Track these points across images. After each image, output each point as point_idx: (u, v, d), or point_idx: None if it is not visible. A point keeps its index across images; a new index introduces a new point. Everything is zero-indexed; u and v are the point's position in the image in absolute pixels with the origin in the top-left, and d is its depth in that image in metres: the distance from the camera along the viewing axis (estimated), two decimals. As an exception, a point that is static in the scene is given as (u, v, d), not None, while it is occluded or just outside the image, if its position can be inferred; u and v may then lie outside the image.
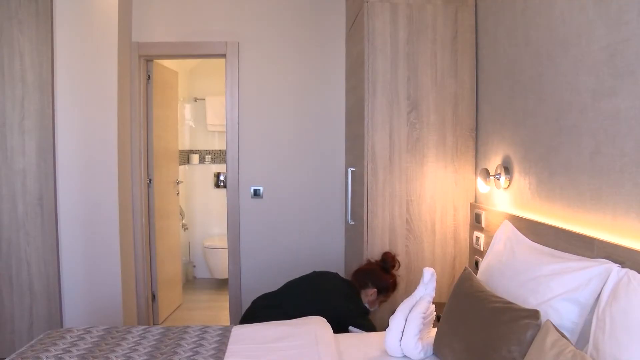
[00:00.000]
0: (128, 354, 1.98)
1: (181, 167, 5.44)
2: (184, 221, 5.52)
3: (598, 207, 1.77)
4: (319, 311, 2.51)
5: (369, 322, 2.65)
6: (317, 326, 2.29)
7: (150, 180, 4.09)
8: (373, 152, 2.90)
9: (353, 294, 2.72)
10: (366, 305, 2.74)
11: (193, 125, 5.86)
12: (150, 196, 4.10)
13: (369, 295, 2.73)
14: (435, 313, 2.20)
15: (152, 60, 4.05)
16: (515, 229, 2.23)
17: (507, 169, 2.51)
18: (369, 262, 2.86)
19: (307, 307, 2.56)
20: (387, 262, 2.81)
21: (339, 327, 2.52)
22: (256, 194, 3.88)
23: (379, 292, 2.75)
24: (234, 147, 3.86)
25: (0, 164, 3.38)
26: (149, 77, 4.05)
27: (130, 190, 3.81)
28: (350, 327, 2.59)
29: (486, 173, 2.60)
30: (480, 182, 2.66)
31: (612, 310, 1.39)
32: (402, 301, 2.19)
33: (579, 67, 1.89)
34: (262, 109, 3.85)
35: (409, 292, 2.85)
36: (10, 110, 3.37)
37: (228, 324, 3.82)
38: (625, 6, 1.62)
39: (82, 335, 2.17)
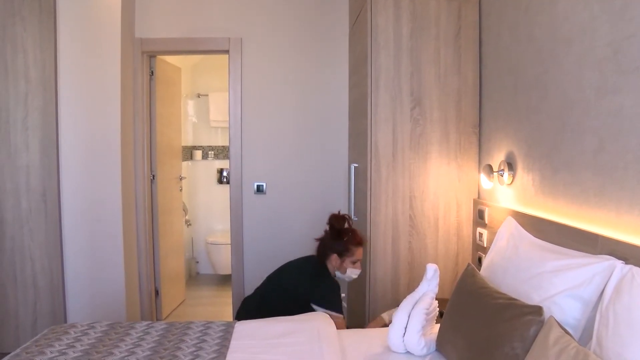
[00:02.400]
0: (131, 350, 1.99)
1: (184, 163, 5.44)
2: (187, 217, 5.53)
3: (602, 203, 1.77)
4: (290, 298, 2.60)
5: (331, 300, 2.58)
6: (320, 322, 2.29)
7: (153, 176, 4.09)
8: (376, 148, 2.90)
9: (318, 270, 2.68)
10: (338, 273, 2.70)
11: (196, 121, 5.86)
12: (153, 192, 4.11)
13: (332, 262, 2.68)
14: (438, 309, 2.21)
15: (155, 57, 4.05)
16: (519, 225, 2.23)
17: (510, 165, 2.51)
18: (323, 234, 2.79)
19: (277, 298, 2.66)
20: (334, 225, 2.72)
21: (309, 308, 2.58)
22: (259, 189, 3.88)
23: (341, 255, 2.66)
24: (237, 143, 3.86)
25: (3, 160, 3.39)
26: (152, 73, 4.05)
27: (133, 186, 3.82)
28: (313, 306, 2.59)
29: (489, 169, 2.60)
30: (483, 179, 2.66)
31: (616, 307, 1.39)
32: (405, 297, 2.19)
33: (583, 64, 1.88)
34: (265, 105, 3.85)
35: (412, 288, 2.85)
36: (13, 107, 3.37)
37: (231, 319, 3.83)
38: (629, 2, 1.61)
39: (85, 331, 2.18)
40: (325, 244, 2.71)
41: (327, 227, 2.76)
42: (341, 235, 2.68)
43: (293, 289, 2.67)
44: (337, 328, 2.40)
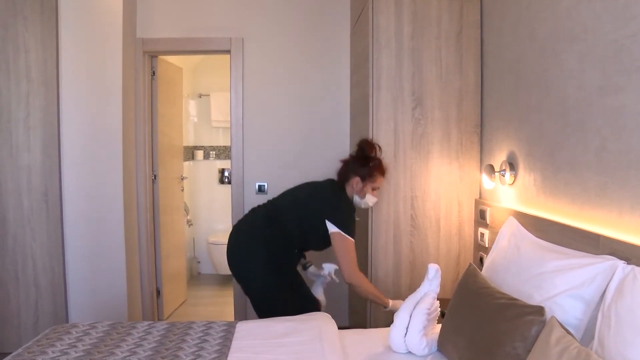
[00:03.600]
0: (133, 349, 1.99)
1: (186, 163, 5.44)
2: (188, 217, 5.53)
3: (603, 203, 1.77)
4: (301, 211, 2.63)
5: (346, 220, 2.58)
6: (321, 322, 2.29)
7: (154, 176, 4.09)
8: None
9: (337, 191, 2.69)
10: (356, 197, 2.69)
11: (197, 121, 5.86)
12: (154, 192, 4.11)
13: (353, 185, 2.67)
14: (439, 309, 2.20)
15: (156, 57, 4.05)
16: (520, 225, 2.22)
17: (512, 165, 2.50)
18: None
19: (288, 209, 2.68)
20: (365, 149, 2.71)
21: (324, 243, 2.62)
22: (261, 189, 3.88)
23: (363, 179, 2.65)
24: (239, 143, 3.86)
25: (5, 160, 3.39)
26: (154, 73, 4.05)
27: (135, 186, 3.82)
28: (326, 222, 2.56)
29: (491, 169, 2.59)
30: (485, 178, 2.65)
31: (618, 307, 1.39)
32: (406, 297, 2.19)
33: (585, 63, 1.88)
34: (267, 105, 3.85)
35: (413, 288, 2.85)
36: (15, 107, 3.38)
37: (232, 319, 3.83)
38: (632, 0, 1.61)
39: (87, 331, 2.18)
40: (350, 166, 2.70)
41: (356, 150, 2.76)
42: (368, 160, 2.67)
43: (305, 203, 2.67)
44: (348, 250, 2.50)
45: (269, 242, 2.61)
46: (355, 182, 2.66)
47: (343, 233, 2.53)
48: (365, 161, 2.67)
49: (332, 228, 2.55)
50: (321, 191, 2.72)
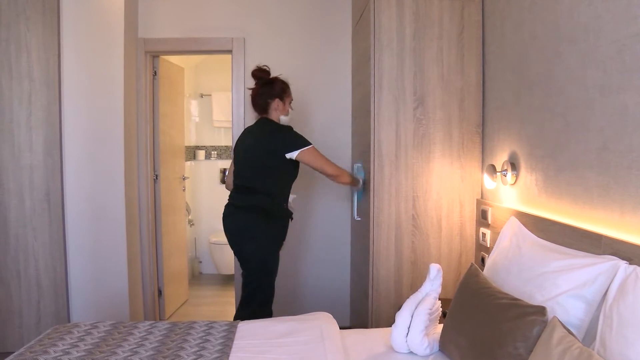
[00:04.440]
0: (135, 349, 1.99)
1: (187, 163, 5.45)
2: (190, 217, 5.54)
3: (605, 203, 1.76)
4: (259, 162, 2.85)
5: (298, 140, 2.85)
6: (323, 322, 2.29)
7: (156, 176, 4.10)
8: (379, 147, 2.90)
9: (268, 126, 2.91)
10: (282, 117, 2.98)
11: (199, 121, 5.86)
12: (156, 192, 4.11)
13: (276, 108, 2.95)
14: (441, 309, 2.20)
15: (158, 56, 4.06)
16: (522, 226, 2.22)
17: (513, 165, 2.50)
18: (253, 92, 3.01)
19: (249, 170, 2.90)
20: (262, 76, 2.96)
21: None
22: (262, 189, 3.88)
23: (281, 98, 2.95)
24: (240, 143, 3.85)
25: (7, 160, 3.40)
26: (155, 73, 4.06)
27: (136, 186, 3.83)
28: (287, 155, 2.82)
29: (493, 169, 2.59)
30: (486, 178, 2.65)
31: (620, 307, 1.39)
32: (408, 297, 2.19)
33: (587, 63, 1.87)
34: (268, 105, 3.84)
35: (414, 288, 2.85)
36: (17, 107, 3.38)
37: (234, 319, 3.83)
38: (634, 0, 1.61)
39: (89, 330, 2.18)
40: (263, 94, 2.94)
41: (254, 83, 2.99)
42: (272, 81, 2.96)
43: (258, 154, 2.86)
44: (317, 156, 2.85)
45: (247, 209, 2.86)
46: (275, 104, 2.94)
47: (303, 149, 2.82)
48: (271, 83, 2.95)
49: (294, 154, 2.82)
50: (262, 137, 2.89)
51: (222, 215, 2.97)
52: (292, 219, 3.04)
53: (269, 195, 2.86)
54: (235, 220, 2.90)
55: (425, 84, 2.89)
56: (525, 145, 2.40)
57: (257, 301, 2.90)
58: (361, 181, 3.12)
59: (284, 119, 2.99)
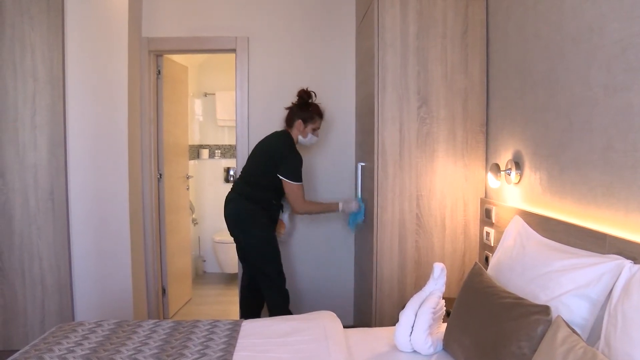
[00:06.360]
0: (138, 348, 2.00)
1: (191, 162, 5.45)
2: (194, 216, 5.55)
3: (610, 202, 1.76)
4: (264, 169, 3.19)
5: (295, 173, 3.16)
6: (326, 321, 2.29)
7: (160, 175, 4.11)
8: (383, 147, 2.90)
9: (285, 142, 3.24)
10: (300, 137, 3.29)
11: (203, 120, 5.87)
12: (160, 191, 4.12)
13: (297, 127, 3.27)
14: (445, 308, 2.20)
15: (162, 55, 4.06)
16: (526, 225, 2.22)
17: (517, 164, 2.50)
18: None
19: (256, 176, 3.24)
20: (303, 97, 3.30)
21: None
22: (265, 188, 3.89)
23: (305, 121, 3.26)
24: (244, 142, 3.86)
25: (12, 159, 3.41)
26: (159, 72, 4.07)
27: (140, 185, 3.83)
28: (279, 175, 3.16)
29: (497, 168, 2.59)
30: (490, 178, 2.65)
31: (624, 307, 1.38)
32: (412, 296, 2.19)
33: (591, 62, 1.87)
34: (272, 104, 3.85)
35: (418, 287, 2.85)
36: (21, 106, 3.39)
37: (238, 318, 3.84)
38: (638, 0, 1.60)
39: (93, 329, 2.19)
40: (294, 112, 3.30)
41: (297, 100, 3.33)
42: (308, 106, 3.29)
43: (266, 159, 3.22)
44: (294, 192, 3.15)
45: (251, 199, 3.20)
46: (298, 124, 3.26)
47: (290, 181, 3.14)
48: (305, 106, 3.28)
49: (282, 178, 3.15)
50: (274, 146, 3.26)
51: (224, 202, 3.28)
52: (282, 210, 3.41)
53: (270, 191, 3.21)
54: (237, 205, 3.22)
55: (429, 83, 2.89)
56: (530, 144, 2.39)
57: (275, 290, 3.25)
58: (340, 206, 3.35)
59: (302, 140, 3.31)
